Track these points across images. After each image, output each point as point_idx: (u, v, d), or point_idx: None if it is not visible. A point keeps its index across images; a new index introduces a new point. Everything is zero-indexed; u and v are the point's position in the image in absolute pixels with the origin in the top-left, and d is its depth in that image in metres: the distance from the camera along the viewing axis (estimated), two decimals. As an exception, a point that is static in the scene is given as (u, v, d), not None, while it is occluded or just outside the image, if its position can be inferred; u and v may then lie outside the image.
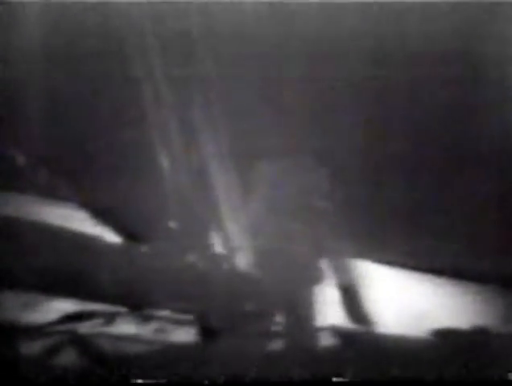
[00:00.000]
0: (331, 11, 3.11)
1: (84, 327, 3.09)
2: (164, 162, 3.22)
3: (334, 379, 2.90)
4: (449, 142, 3.18)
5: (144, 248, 3.23)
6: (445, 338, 3.09)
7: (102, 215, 3.21)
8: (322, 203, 3.19)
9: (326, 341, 3.12)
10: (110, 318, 3.12)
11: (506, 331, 3.10)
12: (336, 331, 3.14)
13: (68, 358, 2.97)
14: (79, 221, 3.20)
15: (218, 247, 3.24)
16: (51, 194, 3.21)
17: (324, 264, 3.19)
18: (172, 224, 3.22)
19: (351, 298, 3.16)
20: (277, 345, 3.10)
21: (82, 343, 2.99)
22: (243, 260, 3.21)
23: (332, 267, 3.19)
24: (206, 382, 2.89)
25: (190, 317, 3.15)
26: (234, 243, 3.23)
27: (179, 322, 3.13)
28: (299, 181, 3.20)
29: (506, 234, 3.11)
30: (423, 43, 3.11)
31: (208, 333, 3.10)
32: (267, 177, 3.19)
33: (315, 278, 3.17)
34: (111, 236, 3.23)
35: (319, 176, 3.17)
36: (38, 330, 3.05)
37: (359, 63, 3.10)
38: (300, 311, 3.16)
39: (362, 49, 3.11)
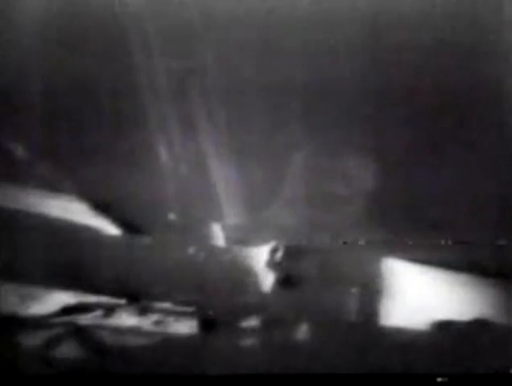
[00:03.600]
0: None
1: (84, 319, 3.09)
2: (164, 153, 3.21)
3: (333, 372, 2.90)
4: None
5: (144, 241, 3.22)
6: (445, 330, 3.08)
7: (102, 207, 3.21)
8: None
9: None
10: (110, 310, 3.12)
11: (507, 323, 3.10)
12: (337, 324, 3.14)
13: (68, 350, 2.96)
14: (78, 213, 3.20)
15: (218, 239, 3.24)
16: (51, 186, 3.20)
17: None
18: (172, 216, 3.22)
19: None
20: (277, 338, 3.10)
21: (82, 335, 2.99)
22: (244, 253, 3.21)
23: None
24: (206, 374, 2.89)
25: (190, 309, 3.14)
26: (235, 235, 3.23)
27: (180, 315, 3.13)
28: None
29: (507, 226, 3.11)
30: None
31: (208, 325, 3.10)
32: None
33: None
34: (111, 228, 3.22)
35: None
36: (37, 322, 3.05)
37: (362, 51, 3.09)
38: (300, 304, 3.16)
39: (365, 32, 3.09)
